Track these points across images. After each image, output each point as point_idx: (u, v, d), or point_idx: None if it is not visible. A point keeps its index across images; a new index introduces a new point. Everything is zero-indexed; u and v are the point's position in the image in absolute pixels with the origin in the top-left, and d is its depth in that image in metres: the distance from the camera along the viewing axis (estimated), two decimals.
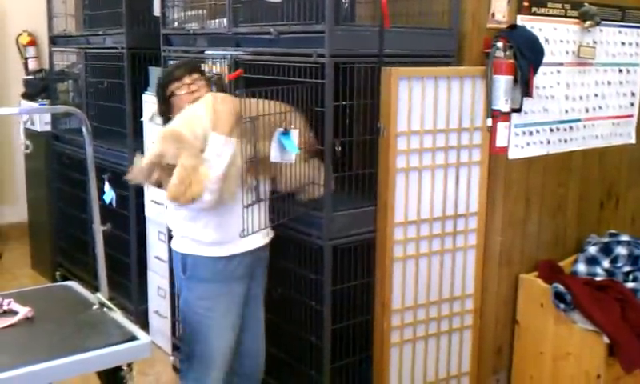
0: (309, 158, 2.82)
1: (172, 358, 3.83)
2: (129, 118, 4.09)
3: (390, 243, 2.98)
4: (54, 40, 5.14)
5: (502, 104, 3.01)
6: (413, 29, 3.10)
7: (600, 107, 3.68)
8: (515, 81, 3.03)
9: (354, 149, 3.13)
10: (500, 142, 3.07)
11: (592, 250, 3.53)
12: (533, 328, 3.39)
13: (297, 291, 3.11)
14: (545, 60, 3.18)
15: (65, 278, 4.63)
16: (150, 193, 3.82)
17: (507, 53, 3.02)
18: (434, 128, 3.00)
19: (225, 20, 3.27)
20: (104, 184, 4.17)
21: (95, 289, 2.64)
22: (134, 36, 4.16)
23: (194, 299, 2.74)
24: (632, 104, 3.83)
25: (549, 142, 3.46)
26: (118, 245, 4.27)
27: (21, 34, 6.13)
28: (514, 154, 3.30)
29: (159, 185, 2.59)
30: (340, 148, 2.90)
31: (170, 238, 2.91)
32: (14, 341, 2.21)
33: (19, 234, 5.87)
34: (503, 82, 3.00)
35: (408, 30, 3.07)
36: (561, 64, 3.43)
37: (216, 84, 3.18)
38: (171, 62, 3.52)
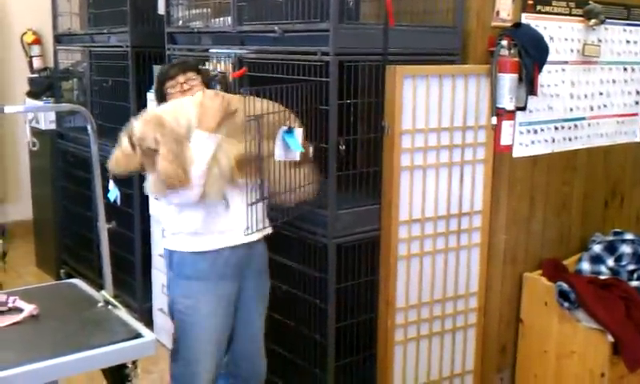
0: (299, 165, 2.73)
1: None
2: (133, 116, 4.08)
3: (395, 241, 2.98)
4: (58, 38, 5.15)
5: (507, 102, 3.01)
6: (417, 27, 3.10)
7: (605, 105, 3.68)
8: (520, 79, 3.03)
9: (359, 147, 3.13)
10: (504, 141, 3.07)
11: (596, 248, 3.53)
12: (537, 326, 3.38)
13: (301, 289, 3.10)
14: (549, 58, 3.18)
15: (69, 276, 4.64)
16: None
17: (512, 51, 3.02)
18: (439, 126, 3.00)
19: (229, 18, 3.28)
20: (108, 182, 4.16)
21: (100, 286, 2.64)
22: (139, 34, 4.17)
23: (179, 297, 2.72)
24: (637, 102, 3.83)
25: (553, 141, 3.46)
26: (122, 243, 4.28)
27: (25, 33, 6.14)
28: (518, 152, 3.30)
29: (142, 169, 2.58)
30: (344, 146, 2.90)
31: None
32: (20, 338, 2.22)
33: (24, 231, 5.88)
34: (508, 80, 2.99)
35: (412, 28, 3.07)
36: (565, 62, 3.43)
37: (220, 82, 3.19)
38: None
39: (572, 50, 3.44)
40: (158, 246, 4.03)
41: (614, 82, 3.69)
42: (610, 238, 3.59)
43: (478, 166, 3.13)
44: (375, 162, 2.99)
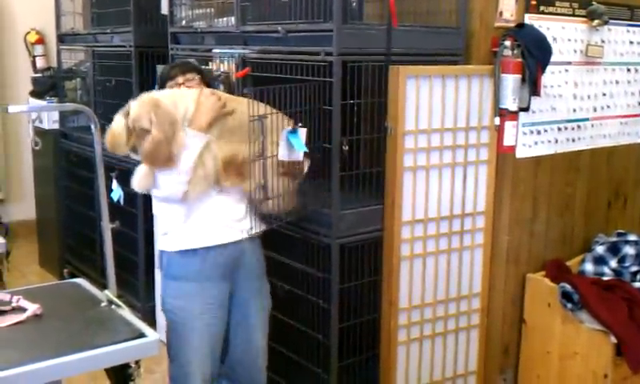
0: (283, 174, 2.69)
1: None
2: None
3: (398, 242, 2.98)
4: (61, 38, 5.16)
5: (510, 103, 3.01)
6: (421, 27, 3.10)
7: (608, 106, 3.67)
8: (523, 80, 3.02)
9: (362, 147, 3.13)
10: (508, 141, 3.07)
11: (599, 249, 3.52)
12: (540, 327, 3.38)
13: (304, 289, 3.10)
14: (553, 59, 3.17)
15: (72, 276, 4.64)
16: None
17: (515, 52, 3.01)
18: (442, 127, 3.00)
19: (233, 18, 3.28)
20: (112, 182, 4.18)
21: (103, 286, 2.65)
22: (142, 34, 4.17)
23: (168, 298, 2.73)
24: None
25: (556, 141, 3.45)
26: (125, 242, 4.28)
27: (29, 32, 6.15)
28: (521, 152, 3.30)
29: (134, 151, 2.59)
30: (348, 146, 2.90)
31: None
32: (23, 337, 2.22)
33: (27, 231, 5.89)
34: (511, 80, 2.99)
35: (416, 28, 3.07)
36: (569, 63, 3.43)
37: (223, 82, 3.19)
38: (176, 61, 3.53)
39: (575, 51, 3.44)
40: None
41: (617, 82, 3.69)
42: (614, 239, 3.59)
43: (481, 167, 3.13)
44: (378, 163, 2.99)
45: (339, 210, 2.86)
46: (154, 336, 2.26)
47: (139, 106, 2.53)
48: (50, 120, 5.14)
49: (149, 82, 4.02)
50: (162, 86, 2.84)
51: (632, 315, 3.14)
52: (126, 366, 2.30)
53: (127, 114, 2.54)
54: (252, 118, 2.50)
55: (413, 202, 2.99)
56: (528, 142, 3.32)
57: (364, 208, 2.97)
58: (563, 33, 3.37)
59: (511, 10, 3.16)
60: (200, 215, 2.66)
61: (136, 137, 2.52)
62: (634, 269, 3.43)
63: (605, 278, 3.37)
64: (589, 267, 3.47)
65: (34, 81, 5.60)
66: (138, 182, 2.62)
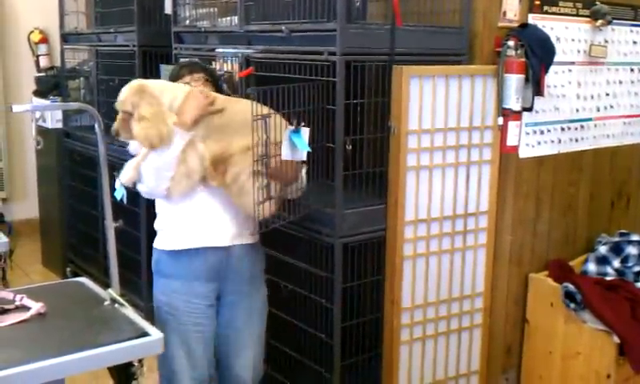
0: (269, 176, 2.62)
1: None
2: None
3: (401, 241, 2.98)
4: (65, 37, 5.16)
5: (513, 103, 3.01)
6: (424, 27, 3.10)
7: (611, 106, 3.67)
8: (526, 80, 3.02)
9: (365, 147, 3.13)
10: (511, 141, 3.07)
11: (602, 249, 3.52)
12: (543, 327, 3.38)
13: (307, 289, 3.11)
14: (556, 59, 3.17)
15: (75, 275, 4.65)
16: None
17: (518, 51, 3.01)
18: (445, 127, 3.00)
19: (236, 18, 3.28)
20: (115, 181, 4.18)
21: (105, 285, 2.65)
22: (146, 34, 4.18)
23: (157, 294, 2.77)
24: None
25: (560, 141, 3.45)
26: (128, 241, 4.28)
27: (32, 32, 6.17)
28: (524, 152, 3.30)
29: (118, 135, 2.64)
30: (351, 146, 2.90)
31: None
32: (27, 336, 2.22)
33: (30, 230, 5.90)
34: (514, 80, 2.99)
35: (419, 28, 3.07)
36: (572, 63, 3.43)
37: (227, 82, 3.20)
38: (182, 60, 3.52)
39: (579, 51, 3.44)
40: None
41: (620, 82, 3.69)
42: (616, 239, 3.59)
43: (484, 167, 3.13)
44: (381, 162, 2.99)
45: (342, 210, 2.86)
46: (157, 335, 2.27)
47: (126, 91, 2.59)
48: (54, 119, 5.14)
49: None
50: None
51: (635, 315, 3.14)
52: (129, 364, 2.30)
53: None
54: (255, 117, 2.49)
55: (416, 202, 2.99)
56: (531, 141, 3.32)
57: (367, 207, 2.97)
58: (567, 33, 3.37)
59: (515, 10, 3.16)
60: (189, 217, 2.67)
61: (122, 120, 2.58)
62: (637, 269, 3.43)
63: (608, 278, 3.37)
64: (592, 267, 3.47)
65: (38, 80, 5.61)
66: (124, 174, 2.68)
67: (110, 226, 2.66)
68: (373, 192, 3.00)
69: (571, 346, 3.24)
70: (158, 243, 2.77)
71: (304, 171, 2.76)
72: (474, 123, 3.06)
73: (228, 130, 2.60)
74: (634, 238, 3.54)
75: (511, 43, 3.02)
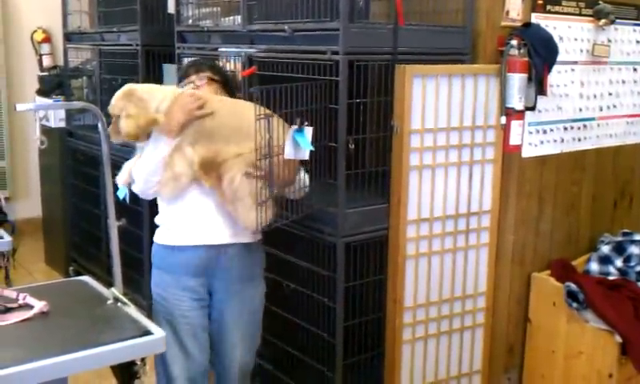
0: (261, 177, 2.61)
1: None
2: None
3: (403, 241, 2.98)
4: (68, 37, 5.17)
5: (516, 102, 3.01)
6: (427, 27, 3.10)
7: (614, 106, 3.67)
8: (529, 79, 3.02)
9: (368, 146, 3.13)
10: (514, 141, 3.07)
11: (605, 249, 3.52)
12: (545, 327, 3.38)
13: (309, 288, 3.11)
14: (559, 58, 3.17)
15: (78, 274, 4.65)
16: None
17: (521, 51, 3.01)
18: (448, 126, 3.00)
19: (239, 17, 3.29)
20: None
21: (108, 284, 2.65)
22: (149, 33, 4.18)
23: (152, 285, 2.84)
24: None
25: (562, 141, 3.45)
26: (131, 240, 4.28)
27: (35, 31, 6.17)
28: (527, 152, 3.30)
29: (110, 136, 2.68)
30: (353, 145, 2.90)
31: None
32: (30, 335, 2.22)
33: (33, 229, 5.90)
34: (517, 80, 2.99)
35: (422, 27, 3.07)
36: (575, 62, 3.42)
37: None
38: (186, 60, 3.53)
39: (582, 50, 3.44)
40: None
41: (623, 82, 3.68)
42: (619, 238, 3.59)
43: (487, 166, 3.13)
44: (384, 162, 3.00)
45: (345, 209, 2.86)
46: (159, 333, 2.27)
47: (116, 95, 2.65)
48: (57, 118, 5.15)
49: (155, 81, 4.03)
50: (179, 83, 2.90)
51: (637, 315, 3.14)
52: (132, 363, 2.31)
53: None
54: (258, 116, 2.50)
55: (418, 201, 2.99)
56: (534, 141, 3.32)
57: (369, 207, 2.97)
58: (570, 32, 3.37)
59: (518, 9, 3.16)
60: (183, 215, 2.71)
61: (114, 124, 2.63)
62: None
63: (610, 278, 3.37)
64: (594, 267, 3.47)
65: (41, 79, 5.61)
66: (120, 175, 2.77)
67: (113, 224, 2.66)
68: (375, 191, 3.00)
69: (574, 345, 3.24)
70: (156, 237, 2.84)
71: (303, 172, 2.77)
72: (476, 122, 3.06)
73: (220, 134, 2.61)
74: (637, 237, 3.54)
75: (514, 42, 3.02)
